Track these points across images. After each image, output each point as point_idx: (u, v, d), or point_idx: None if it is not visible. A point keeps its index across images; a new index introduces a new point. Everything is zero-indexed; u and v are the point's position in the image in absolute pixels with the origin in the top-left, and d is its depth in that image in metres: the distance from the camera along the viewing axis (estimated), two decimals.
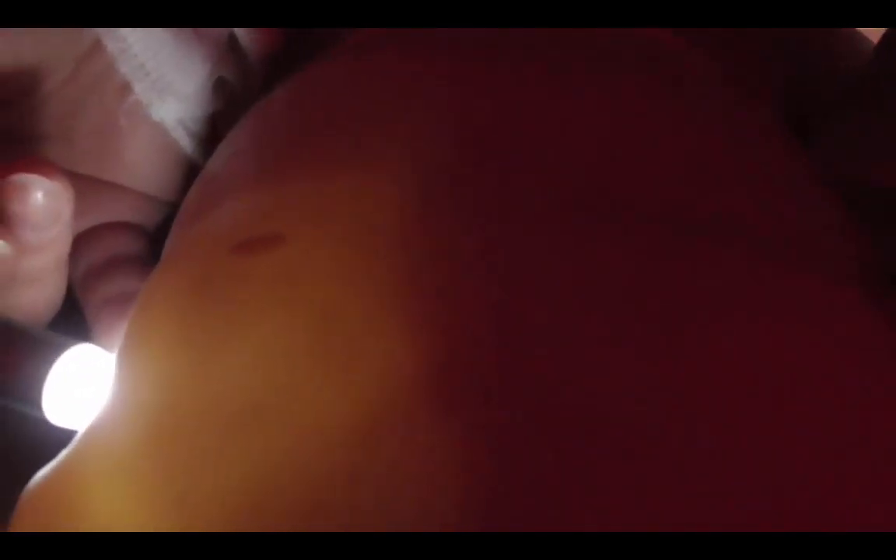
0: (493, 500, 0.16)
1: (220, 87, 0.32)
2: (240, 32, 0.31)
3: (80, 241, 0.30)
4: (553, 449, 0.17)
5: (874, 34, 0.31)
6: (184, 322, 0.21)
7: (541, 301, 0.19)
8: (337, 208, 0.21)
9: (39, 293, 0.27)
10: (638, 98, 0.24)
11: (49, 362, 0.24)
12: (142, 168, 0.31)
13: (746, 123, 0.26)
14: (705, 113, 0.25)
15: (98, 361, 0.24)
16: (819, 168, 0.25)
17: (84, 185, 0.29)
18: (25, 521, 0.20)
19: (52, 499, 0.20)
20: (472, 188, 0.21)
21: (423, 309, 0.19)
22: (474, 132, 0.23)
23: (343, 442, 0.17)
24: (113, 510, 0.19)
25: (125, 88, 0.30)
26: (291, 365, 0.19)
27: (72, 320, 0.29)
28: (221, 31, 0.31)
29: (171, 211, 0.32)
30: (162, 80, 0.30)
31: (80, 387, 0.24)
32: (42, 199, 0.25)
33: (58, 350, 0.24)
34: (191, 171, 0.32)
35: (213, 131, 0.32)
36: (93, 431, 0.21)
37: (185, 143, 0.31)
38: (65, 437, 0.22)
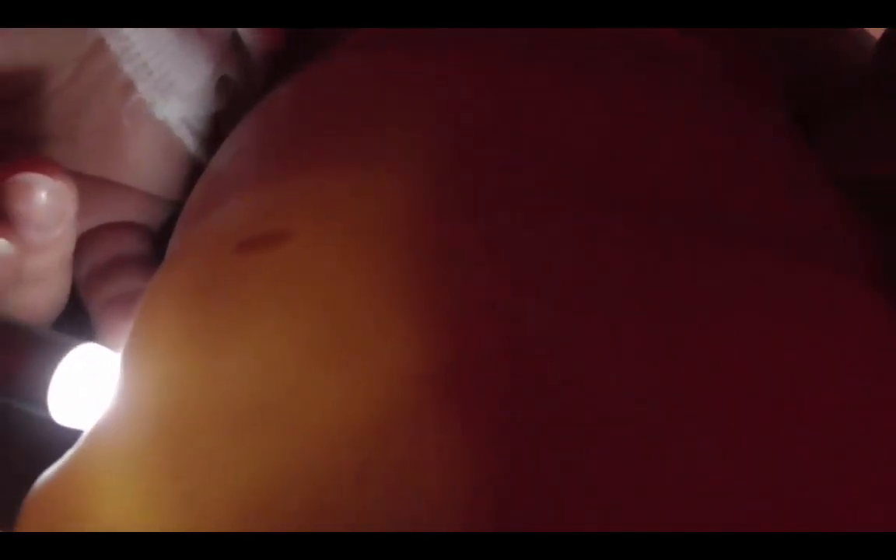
0: (501, 499, 0.16)
1: (223, 86, 0.32)
2: (243, 31, 0.31)
3: (84, 241, 0.30)
4: (553, 450, 0.17)
5: (879, 34, 0.31)
6: (189, 321, 0.21)
7: (542, 301, 0.19)
8: (342, 206, 0.21)
9: (44, 293, 0.27)
10: (638, 98, 0.24)
11: (54, 362, 0.24)
12: (145, 167, 0.31)
13: (751, 122, 0.26)
14: (708, 112, 0.25)
15: (103, 361, 0.24)
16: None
17: (88, 184, 0.30)
18: (31, 521, 0.20)
19: (57, 499, 0.20)
20: (475, 187, 0.21)
21: (430, 308, 0.19)
22: (476, 131, 0.23)
23: (351, 441, 0.17)
24: (119, 510, 0.19)
25: (128, 88, 0.30)
26: (298, 364, 0.19)
27: (76, 320, 0.29)
28: (224, 30, 0.31)
29: (175, 210, 0.32)
30: (165, 79, 0.30)
31: (86, 386, 0.24)
32: (46, 198, 0.25)
33: (63, 350, 0.24)
34: (194, 171, 0.32)
35: (216, 130, 0.32)
36: (98, 431, 0.21)
37: (189, 142, 0.31)
38: (70, 437, 0.22)
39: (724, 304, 0.19)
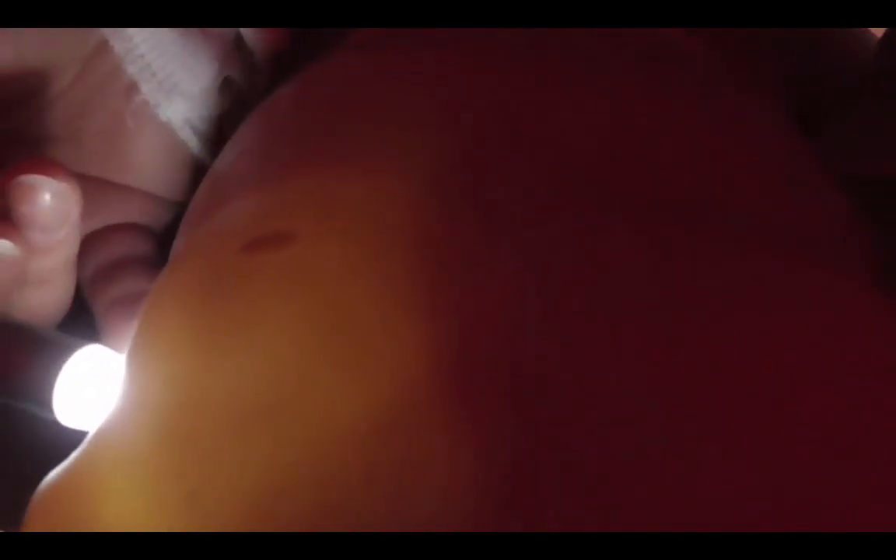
0: (508, 499, 0.16)
1: (226, 87, 0.32)
2: (246, 32, 0.31)
3: (89, 243, 0.30)
4: (554, 450, 0.17)
5: (880, 33, 0.31)
6: (193, 322, 0.21)
7: (543, 300, 0.19)
8: (346, 205, 0.21)
9: (48, 294, 0.28)
10: (638, 98, 0.24)
11: (59, 363, 0.24)
12: (149, 168, 0.31)
13: (751, 122, 0.26)
14: (708, 112, 0.25)
15: (108, 362, 0.24)
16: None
17: (92, 186, 0.30)
18: (37, 522, 0.20)
19: (63, 500, 0.20)
20: (477, 187, 0.21)
21: (434, 308, 0.19)
22: (477, 131, 0.23)
23: (357, 442, 0.17)
24: (125, 510, 0.19)
25: (132, 89, 0.30)
26: (303, 364, 0.19)
27: (81, 321, 0.29)
28: (228, 31, 0.31)
29: (179, 211, 0.32)
30: (169, 80, 0.30)
31: (90, 388, 0.24)
32: (50, 200, 0.25)
33: (67, 351, 0.24)
34: (198, 171, 0.32)
35: (219, 131, 0.32)
36: (103, 432, 0.21)
37: (193, 143, 0.31)
38: (75, 438, 0.22)
39: (725, 304, 0.19)
